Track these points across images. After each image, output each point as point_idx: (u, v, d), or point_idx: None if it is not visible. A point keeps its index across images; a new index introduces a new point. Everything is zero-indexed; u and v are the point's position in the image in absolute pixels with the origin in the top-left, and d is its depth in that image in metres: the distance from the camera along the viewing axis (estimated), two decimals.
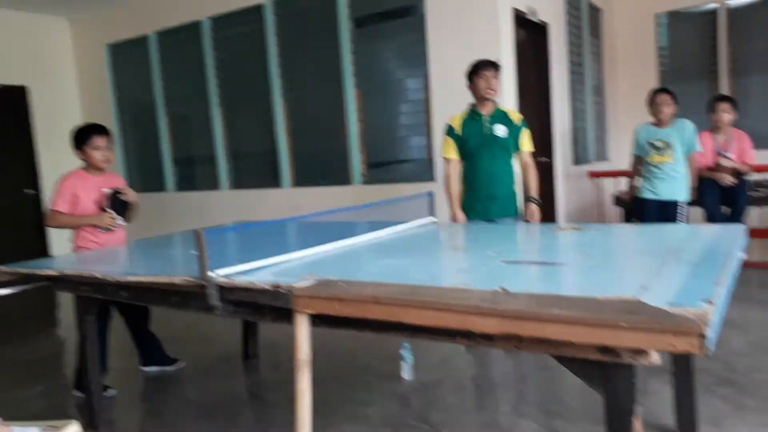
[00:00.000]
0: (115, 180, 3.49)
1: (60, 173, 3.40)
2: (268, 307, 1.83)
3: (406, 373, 3.23)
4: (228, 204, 6.49)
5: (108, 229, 3.30)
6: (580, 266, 1.92)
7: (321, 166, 5.87)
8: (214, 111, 6.47)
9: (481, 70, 3.48)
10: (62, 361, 4.13)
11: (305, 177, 5.98)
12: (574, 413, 2.68)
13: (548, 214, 5.38)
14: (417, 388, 3.12)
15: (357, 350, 3.72)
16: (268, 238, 3.16)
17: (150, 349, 3.69)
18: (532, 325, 1.34)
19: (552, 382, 3.10)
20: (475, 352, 3.59)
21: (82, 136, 3.28)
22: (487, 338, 1.48)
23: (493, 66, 3.48)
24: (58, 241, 7.00)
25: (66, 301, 5.84)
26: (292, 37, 5.80)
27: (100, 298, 2.55)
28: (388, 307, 1.54)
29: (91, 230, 3.28)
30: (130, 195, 3.39)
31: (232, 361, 3.77)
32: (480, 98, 3.52)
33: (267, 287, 1.77)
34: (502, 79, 3.63)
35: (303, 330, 1.73)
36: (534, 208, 3.56)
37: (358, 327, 1.70)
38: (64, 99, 7.58)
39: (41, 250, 7.19)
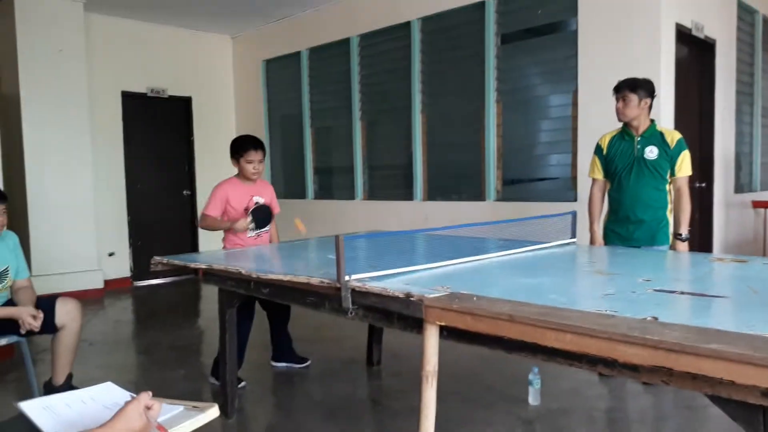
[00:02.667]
0: (265, 187, 3.71)
1: (212, 177, 3.67)
2: (398, 314, 1.82)
3: (533, 397, 3.08)
4: (361, 213, 6.64)
5: (252, 233, 3.53)
6: (743, 301, 1.72)
7: (454, 181, 5.84)
8: (355, 124, 6.66)
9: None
10: (201, 349, 4.44)
11: (437, 191, 5.97)
12: None
13: (703, 245, 4.92)
14: (543, 415, 2.97)
15: (479, 369, 3.63)
16: (400, 247, 3.19)
17: (282, 347, 3.86)
18: (687, 359, 1.20)
19: (694, 424, 2.82)
20: (610, 383, 3.35)
21: (239, 148, 3.51)
22: (632, 369, 1.37)
23: (627, 87, 3.27)
24: (207, 240, 7.52)
25: (209, 294, 6.30)
26: (436, 53, 5.84)
27: (242, 293, 2.70)
28: (525, 327, 1.46)
29: (239, 233, 3.51)
30: (274, 208, 3.67)
31: (357, 365, 3.83)
32: (622, 120, 3.33)
33: (399, 295, 1.77)
34: (647, 101, 3.33)
35: (432, 341, 1.70)
36: (680, 246, 3.25)
37: (489, 344, 1.64)
38: (221, 109, 8.20)
39: (192, 246, 7.82)
